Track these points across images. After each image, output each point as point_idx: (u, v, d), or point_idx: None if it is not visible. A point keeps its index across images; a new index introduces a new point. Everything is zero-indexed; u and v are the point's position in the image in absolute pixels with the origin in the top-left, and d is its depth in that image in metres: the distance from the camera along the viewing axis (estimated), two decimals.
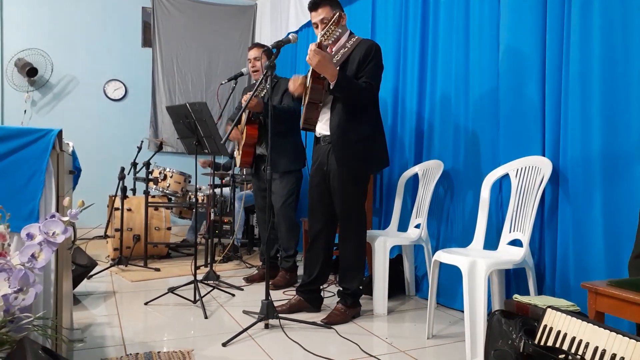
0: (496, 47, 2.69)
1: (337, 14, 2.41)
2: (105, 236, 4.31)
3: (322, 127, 2.69)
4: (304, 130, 2.82)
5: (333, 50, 2.66)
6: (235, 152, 3.63)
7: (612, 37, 2.11)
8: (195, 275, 2.94)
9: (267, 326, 2.49)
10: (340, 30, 2.49)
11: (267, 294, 2.49)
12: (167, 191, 4.52)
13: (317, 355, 2.15)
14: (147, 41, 5.84)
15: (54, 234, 1.48)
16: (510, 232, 2.42)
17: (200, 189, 4.82)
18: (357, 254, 2.69)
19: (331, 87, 2.47)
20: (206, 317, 2.67)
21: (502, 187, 2.66)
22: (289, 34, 2.70)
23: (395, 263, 3.19)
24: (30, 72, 5.11)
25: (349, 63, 2.59)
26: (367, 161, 2.64)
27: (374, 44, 2.60)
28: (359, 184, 2.67)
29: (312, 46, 2.39)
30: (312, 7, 2.66)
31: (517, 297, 1.96)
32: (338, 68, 2.49)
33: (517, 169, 2.46)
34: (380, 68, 2.63)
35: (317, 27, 2.66)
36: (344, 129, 2.57)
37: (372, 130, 2.65)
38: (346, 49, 2.62)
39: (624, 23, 2.06)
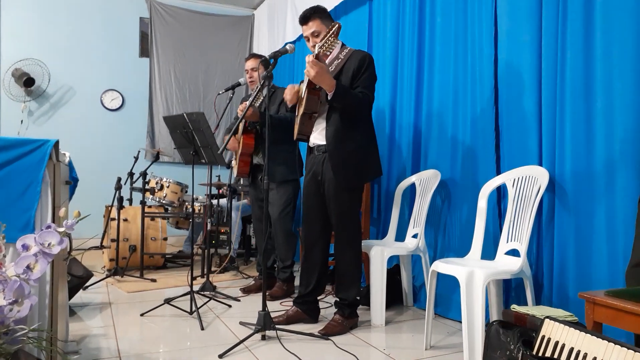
0: (493, 57, 2.71)
1: (337, 25, 2.41)
2: (101, 247, 4.29)
3: (317, 137, 2.70)
4: (297, 141, 2.83)
5: (327, 61, 2.68)
6: (232, 162, 3.63)
7: (608, 48, 2.13)
8: (191, 286, 2.93)
9: (264, 337, 2.47)
10: (337, 42, 2.52)
11: (264, 305, 2.47)
12: (163, 201, 4.51)
13: None
14: (144, 51, 5.86)
15: (49, 245, 1.48)
16: (507, 242, 2.42)
17: (197, 199, 4.81)
18: (354, 263, 2.69)
19: (329, 98, 2.48)
20: (202, 329, 2.65)
21: (499, 196, 2.66)
22: (286, 44, 2.72)
23: (393, 273, 3.19)
24: (27, 82, 5.11)
25: (343, 74, 2.62)
26: (362, 170, 2.65)
27: (367, 54, 2.63)
28: (354, 193, 2.68)
29: (309, 58, 2.40)
30: (303, 21, 2.69)
31: (515, 308, 1.96)
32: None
33: (514, 179, 2.47)
34: (374, 78, 2.66)
35: (308, 40, 2.71)
36: (340, 138, 2.59)
37: (366, 139, 2.66)
38: (339, 60, 2.65)
39: (620, 34, 2.08)
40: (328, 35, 2.39)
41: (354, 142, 2.60)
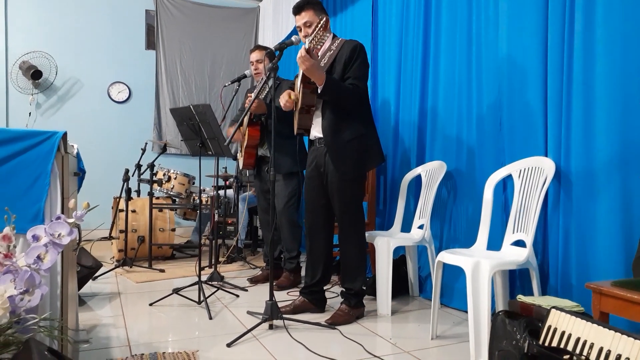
0: (500, 49, 2.69)
1: (325, 18, 2.44)
2: (110, 237, 4.33)
3: (316, 130, 2.72)
4: (298, 135, 2.85)
5: (319, 54, 2.69)
6: (238, 154, 3.65)
7: (616, 39, 2.10)
8: (199, 276, 2.95)
9: (271, 327, 2.49)
10: (327, 34, 2.55)
11: (271, 295, 2.49)
12: (171, 193, 4.53)
13: (321, 356, 2.15)
14: (150, 44, 5.86)
15: (59, 235, 1.49)
16: (513, 232, 2.42)
17: (204, 190, 4.83)
18: (359, 253, 2.70)
19: (319, 91, 2.50)
20: (211, 318, 2.68)
21: (505, 187, 2.65)
22: (291, 35, 2.72)
23: (399, 264, 3.19)
24: (34, 74, 5.14)
25: (336, 64, 2.63)
26: (363, 159, 2.66)
27: (358, 43, 2.64)
28: (357, 183, 2.69)
29: (300, 53, 2.41)
30: (297, 11, 2.72)
31: (521, 298, 1.96)
32: (325, 71, 2.52)
33: (520, 170, 2.46)
34: (366, 66, 2.66)
35: (300, 30, 2.72)
36: (336, 129, 2.60)
37: (363, 128, 2.66)
38: (331, 51, 2.67)
39: (625, 25, 2.05)
40: (316, 29, 2.44)
41: (351, 131, 2.61)
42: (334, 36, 2.76)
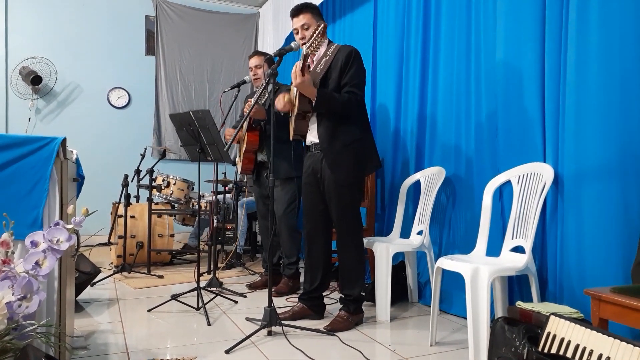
0: (499, 55, 2.70)
1: (323, 25, 2.48)
2: (109, 243, 4.32)
3: (312, 135, 2.73)
4: (295, 141, 2.85)
5: (314, 59, 2.71)
6: (237, 159, 3.65)
7: (610, 45, 2.11)
8: (198, 282, 2.95)
9: (270, 333, 2.48)
10: (324, 40, 2.58)
11: (270, 301, 2.49)
12: (170, 198, 4.53)
13: None
14: (150, 49, 5.88)
15: (57, 241, 1.49)
16: (512, 238, 2.42)
17: (203, 196, 4.83)
18: (357, 259, 2.70)
19: (313, 105, 2.53)
20: (209, 324, 2.67)
21: (504, 193, 2.66)
22: (291, 41, 2.73)
23: (398, 270, 3.19)
24: (34, 80, 5.14)
25: (332, 70, 2.64)
26: (359, 165, 2.66)
27: (353, 49, 2.65)
28: (354, 188, 2.70)
29: (295, 68, 2.44)
30: (295, 14, 2.74)
31: (520, 304, 1.96)
32: (320, 78, 2.54)
33: (519, 176, 2.46)
34: (363, 71, 2.68)
35: (297, 33, 2.74)
36: (332, 135, 2.61)
37: (360, 133, 2.67)
38: (327, 57, 2.68)
39: (621, 28, 2.07)
40: (315, 35, 2.47)
41: (347, 137, 2.62)
42: (330, 42, 2.78)
